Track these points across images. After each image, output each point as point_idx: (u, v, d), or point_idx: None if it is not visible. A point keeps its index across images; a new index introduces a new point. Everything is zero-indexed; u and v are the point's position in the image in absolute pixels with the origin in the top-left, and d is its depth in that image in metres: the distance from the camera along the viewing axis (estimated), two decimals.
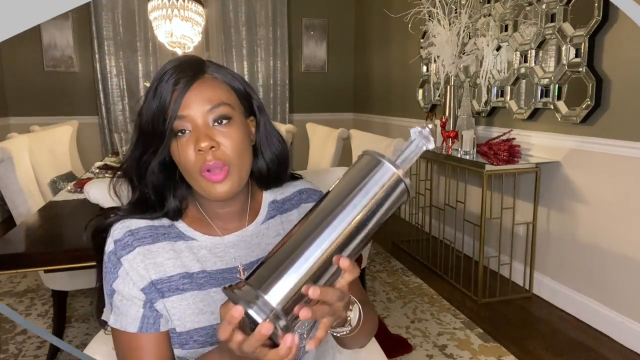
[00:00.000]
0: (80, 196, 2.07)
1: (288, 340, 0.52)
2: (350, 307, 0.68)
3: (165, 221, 0.78)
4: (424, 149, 0.56)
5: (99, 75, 4.47)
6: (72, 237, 1.57)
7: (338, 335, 0.71)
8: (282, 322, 0.51)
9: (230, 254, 0.80)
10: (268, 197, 0.86)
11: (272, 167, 0.82)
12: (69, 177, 2.77)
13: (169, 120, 0.70)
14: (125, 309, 0.74)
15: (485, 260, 2.60)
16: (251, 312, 0.50)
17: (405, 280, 2.82)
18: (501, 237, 2.66)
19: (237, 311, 0.51)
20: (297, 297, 0.52)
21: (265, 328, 0.50)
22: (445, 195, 3.10)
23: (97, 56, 4.44)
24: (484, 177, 2.41)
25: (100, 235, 0.78)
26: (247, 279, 0.53)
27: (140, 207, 0.77)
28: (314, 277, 0.53)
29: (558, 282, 2.49)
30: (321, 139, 3.04)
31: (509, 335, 2.21)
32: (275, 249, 0.55)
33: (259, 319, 0.50)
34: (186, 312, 0.75)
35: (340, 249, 0.53)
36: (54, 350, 2.02)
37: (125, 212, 0.77)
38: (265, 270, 0.53)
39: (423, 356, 2.04)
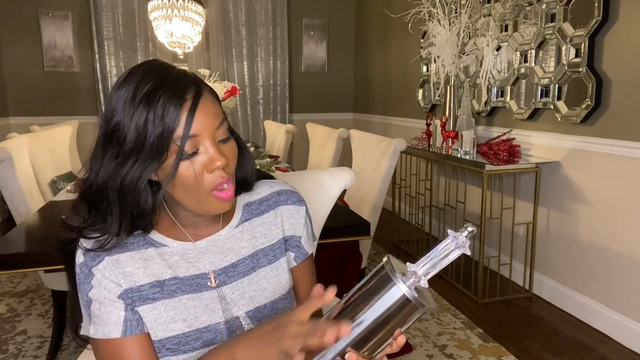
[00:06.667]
0: None
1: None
2: None
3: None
4: (457, 253, 0.56)
5: (99, 75, 4.47)
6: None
7: None
8: None
9: (202, 260, 0.79)
10: (242, 200, 0.86)
11: (239, 176, 0.82)
12: (69, 177, 2.76)
13: (181, 141, 0.67)
14: (106, 315, 0.72)
15: (485, 260, 2.60)
16: None
17: None
18: (501, 237, 2.66)
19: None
20: None
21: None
22: (445, 195, 3.10)
23: (97, 56, 4.44)
24: (484, 177, 2.41)
25: (68, 246, 0.76)
26: None
27: (109, 224, 0.72)
28: None
29: (558, 282, 2.49)
30: (321, 139, 3.04)
31: (509, 335, 2.21)
32: None
33: None
34: (157, 321, 0.74)
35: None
36: (54, 351, 2.02)
37: (102, 232, 0.73)
38: None
39: (423, 356, 2.04)
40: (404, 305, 0.55)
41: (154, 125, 0.66)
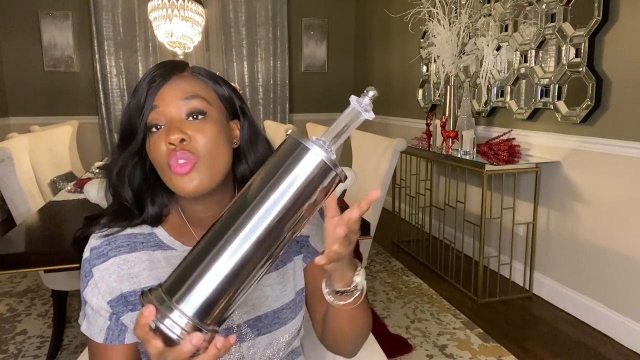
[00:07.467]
0: (80, 196, 2.07)
1: (193, 339, 0.50)
2: (357, 271, 0.66)
3: (145, 228, 0.77)
4: (361, 119, 0.55)
5: (99, 75, 4.47)
6: (72, 237, 1.57)
7: (341, 304, 0.67)
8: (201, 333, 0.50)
9: None
10: None
11: (255, 171, 0.81)
12: (69, 177, 2.77)
13: (143, 115, 0.69)
14: (94, 318, 0.74)
15: (485, 260, 2.60)
16: (162, 327, 0.49)
17: (405, 280, 2.82)
18: (501, 237, 2.66)
19: (148, 311, 0.51)
20: (209, 306, 0.51)
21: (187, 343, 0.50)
22: (445, 195, 3.10)
23: (97, 56, 4.44)
24: (484, 177, 2.41)
25: (82, 243, 0.77)
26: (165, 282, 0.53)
27: (120, 215, 0.76)
28: (232, 283, 0.51)
29: (558, 282, 2.49)
30: None
31: (509, 335, 2.21)
32: (192, 250, 0.53)
33: (172, 335, 0.49)
34: None
35: (262, 249, 0.51)
36: (54, 351, 2.02)
37: (107, 222, 0.76)
38: (180, 278, 0.52)
39: (423, 356, 2.04)
40: (322, 171, 0.51)
41: (133, 107, 0.71)
